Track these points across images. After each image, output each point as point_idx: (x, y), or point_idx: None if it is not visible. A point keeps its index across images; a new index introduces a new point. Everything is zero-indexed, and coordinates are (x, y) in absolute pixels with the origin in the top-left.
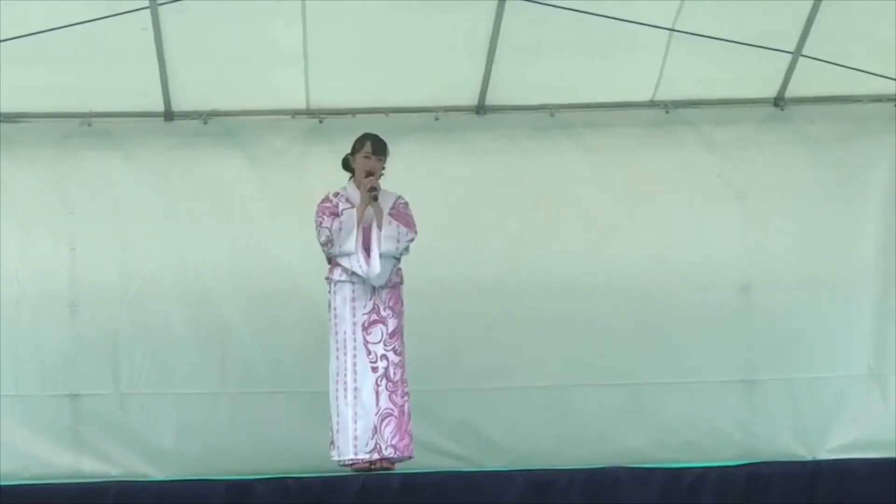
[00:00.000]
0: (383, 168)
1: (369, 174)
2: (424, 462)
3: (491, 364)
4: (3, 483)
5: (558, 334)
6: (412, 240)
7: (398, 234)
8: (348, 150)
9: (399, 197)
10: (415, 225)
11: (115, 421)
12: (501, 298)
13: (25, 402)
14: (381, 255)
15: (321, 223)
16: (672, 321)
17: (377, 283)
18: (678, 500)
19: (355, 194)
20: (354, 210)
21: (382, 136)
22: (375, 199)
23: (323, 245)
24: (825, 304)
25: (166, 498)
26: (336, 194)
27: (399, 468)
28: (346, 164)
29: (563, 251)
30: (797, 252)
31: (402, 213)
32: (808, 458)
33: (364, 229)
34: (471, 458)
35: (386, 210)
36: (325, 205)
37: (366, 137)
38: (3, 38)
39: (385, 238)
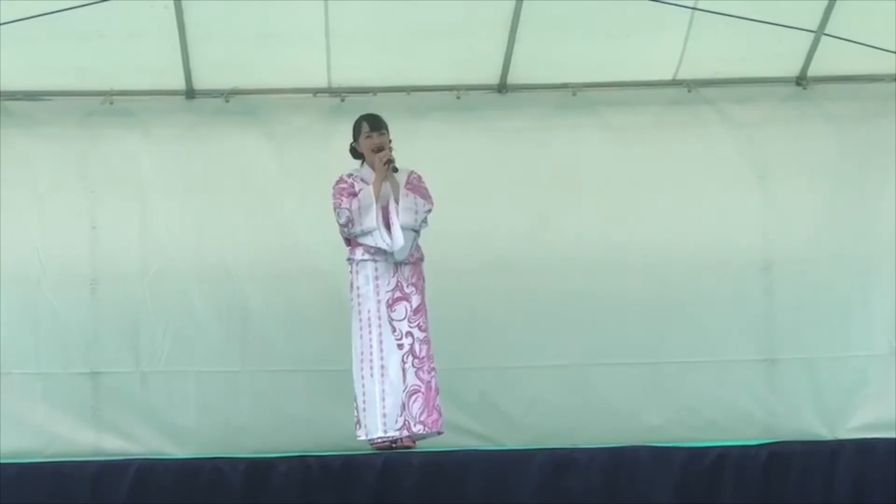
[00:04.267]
0: (390, 141)
1: (379, 150)
2: (445, 440)
3: (511, 342)
4: (24, 460)
5: (579, 313)
6: (430, 211)
7: (416, 205)
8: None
9: (412, 172)
10: (431, 196)
11: (135, 399)
12: (522, 277)
13: (46, 380)
14: (401, 228)
15: (340, 204)
16: (693, 300)
17: (400, 257)
18: (699, 479)
19: (369, 175)
20: (371, 187)
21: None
22: (396, 169)
23: (343, 226)
24: (846, 284)
25: (187, 476)
26: (350, 175)
27: (420, 446)
28: (354, 152)
29: (584, 230)
30: (818, 231)
31: (417, 186)
32: (830, 437)
33: (382, 206)
34: (491, 437)
35: (401, 185)
36: (340, 186)
37: (361, 119)
38: (24, 16)
39: (403, 210)
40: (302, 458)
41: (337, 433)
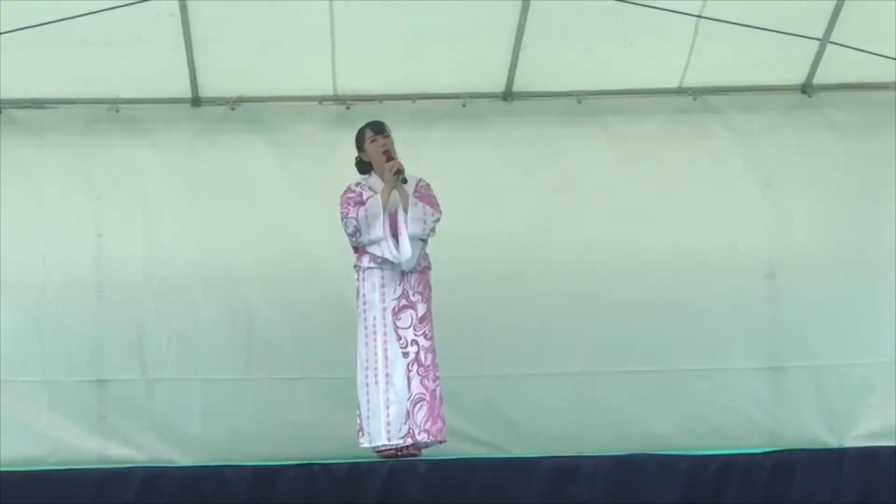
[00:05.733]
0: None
1: (386, 153)
2: (450, 448)
3: (516, 350)
4: (29, 468)
5: (584, 321)
6: (438, 220)
7: (424, 215)
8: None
9: (420, 180)
10: (439, 205)
11: (141, 406)
12: (527, 284)
13: (52, 388)
14: (409, 238)
15: (347, 214)
16: (698, 308)
17: (408, 267)
18: (704, 487)
19: (377, 184)
20: (379, 196)
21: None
22: (405, 181)
23: (351, 236)
24: (851, 291)
25: (192, 483)
26: (358, 184)
27: (425, 454)
28: (361, 164)
29: (589, 238)
30: (823, 239)
31: (425, 195)
32: (835, 444)
33: (390, 215)
34: (496, 444)
35: (409, 194)
36: (349, 195)
37: (363, 127)
38: (30, 24)
39: (412, 220)
40: (307, 466)
41: (342, 441)
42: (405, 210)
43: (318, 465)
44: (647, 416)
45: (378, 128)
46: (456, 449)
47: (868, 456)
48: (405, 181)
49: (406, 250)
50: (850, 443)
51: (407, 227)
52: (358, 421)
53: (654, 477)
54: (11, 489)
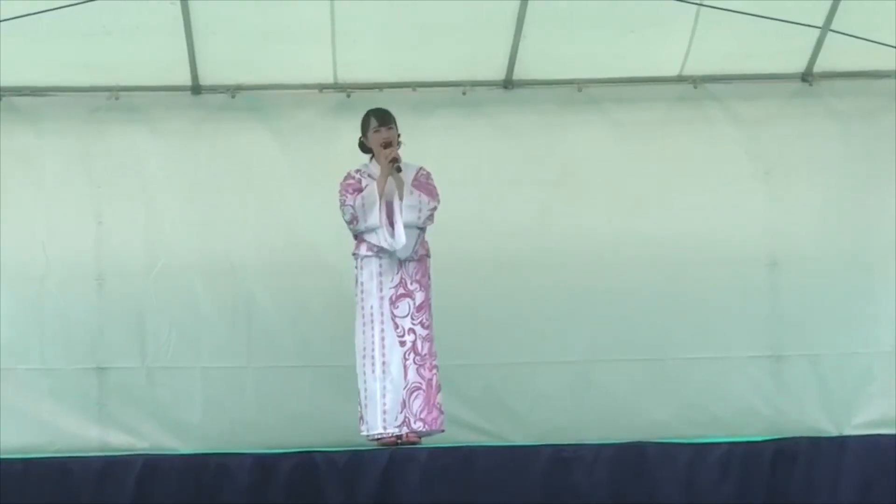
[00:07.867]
0: (399, 137)
1: (387, 145)
2: (450, 436)
3: (517, 338)
4: (30, 456)
5: (585, 309)
6: (434, 208)
7: (419, 203)
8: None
9: (421, 168)
10: (437, 194)
11: (141, 394)
12: (528, 273)
13: (52, 376)
14: (404, 226)
15: (345, 201)
16: (699, 297)
17: (403, 255)
18: (705, 476)
19: (377, 170)
20: (376, 184)
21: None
22: (399, 169)
23: (348, 223)
24: (852, 280)
25: (193, 471)
26: (358, 171)
27: (426, 442)
28: (363, 147)
29: (589, 226)
30: (824, 228)
31: (423, 184)
32: (835, 433)
33: (387, 203)
34: (497, 433)
35: (408, 182)
36: (348, 182)
37: (369, 114)
38: (30, 12)
39: (407, 208)
40: (307, 454)
41: (343, 429)
42: (401, 198)
43: (318, 453)
44: (648, 405)
45: (383, 119)
46: (456, 437)
47: (868, 444)
48: (399, 170)
49: (401, 237)
50: (850, 431)
51: (402, 214)
52: (359, 409)
53: (654, 465)
54: (12, 477)
